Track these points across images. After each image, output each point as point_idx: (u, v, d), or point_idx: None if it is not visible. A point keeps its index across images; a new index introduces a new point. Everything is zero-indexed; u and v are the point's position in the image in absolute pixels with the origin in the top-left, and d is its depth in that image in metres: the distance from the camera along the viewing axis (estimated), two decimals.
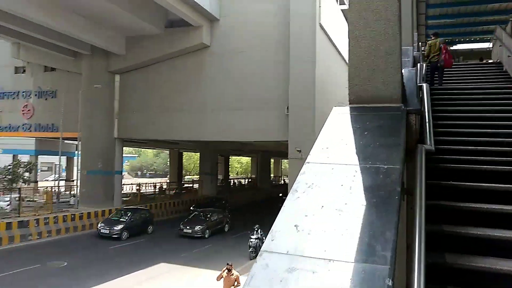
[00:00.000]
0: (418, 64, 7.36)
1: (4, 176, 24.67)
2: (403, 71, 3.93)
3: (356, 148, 2.80)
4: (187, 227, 22.85)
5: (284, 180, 67.78)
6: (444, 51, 10.55)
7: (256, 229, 18.94)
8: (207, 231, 23.13)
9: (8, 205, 23.23)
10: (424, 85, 5.60)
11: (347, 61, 3.80)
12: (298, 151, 21.08)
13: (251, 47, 23.77)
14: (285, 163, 75.03)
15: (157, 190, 35.43)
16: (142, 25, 23.83)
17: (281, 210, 2.19)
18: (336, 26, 26.61)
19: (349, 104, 3.57)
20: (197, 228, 22.71)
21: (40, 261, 16.72)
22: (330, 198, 2.24)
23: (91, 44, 25.32)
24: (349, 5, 3.69)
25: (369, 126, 3.11)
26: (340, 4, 29.84)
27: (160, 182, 40.74)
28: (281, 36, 22.97)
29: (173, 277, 15.69)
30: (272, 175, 63.42)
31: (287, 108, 22.35)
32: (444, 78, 10.46)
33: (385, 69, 3.54)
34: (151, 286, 14.62)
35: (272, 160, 62.64)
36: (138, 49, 25.72)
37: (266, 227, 21.66)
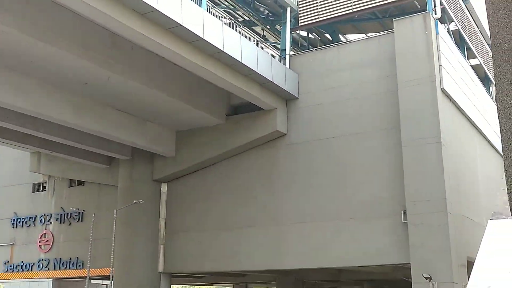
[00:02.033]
0: None
1: None
2: None
3: None
4: None
5: None
6: None
7: None
8: None
9: None
10: None
11: (501, 152, 3.82)
12: (426, 278, 20.26)
13: (344, 130, 24.44)
14: None
15: None
16: (198, 115, 25.89)
17: None
18: (467, 90, 26.59)
19: None
20: None
21: None
22: None
23: (132, 147, 27.62)
24: (494, 72, 3.82)
25: None
26: (469, 59, 30.10)
27: None
28: (387, 111, 23.45)
29: None
30: None
31: (404, 213, 21.86)
32: None
33: None
34: None
35: None
36: (192, 147, 27.57)
37: None
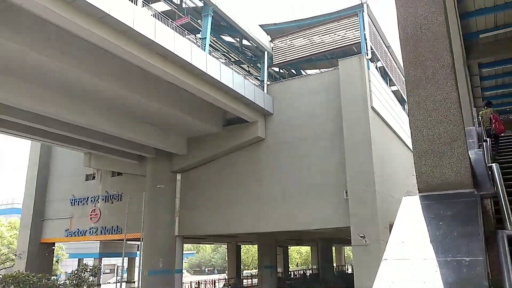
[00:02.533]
0: (484, 143, 7.22)
1: (71, 282, 25.47)
2: (469, 153, 3.94)
3: (433, 240, 2.78)
4: None
5: (348, 269, 63.73)
6: (494, 120, 10.62)
7: None
8: None
9: None
10: (494, 165, 5.44)
11: (411, 149, 3.89)
12: (361, 236, 20.46)
13: (305, 136, 24.53)
14: (347, 250, 71.16)
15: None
16: (202, 126, 25.77)
17: None
18: (389, 107, 26.94)
19: (419, 192, 3.60)
20: None
21: None
22: None
23: (156, 148, 27.42)
24: (407, 96, 3.91)
25: (443, 215, 3.10)
26: (390, 86, 30.47)
27: (218, 279, 39.87)
28: (334, 123, 23.61)
29: None
30: (334, 264, 59.89)
31: (346, 192, 22.06)
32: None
33: (451, 155, 3.60)
34: None
35: (333, 248, 59.68)
36: (199, 148, 27.45)
37: None
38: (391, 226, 21.47)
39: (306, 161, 24.14)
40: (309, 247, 64.23)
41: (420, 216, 3.18)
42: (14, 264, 35.78)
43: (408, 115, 3.88)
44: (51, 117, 21.62)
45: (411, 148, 3.85)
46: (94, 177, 33.49)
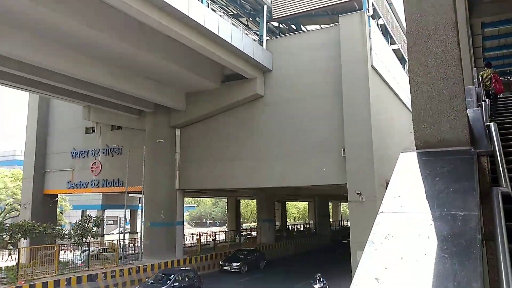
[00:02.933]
0: (483, 103, 7.15)
1: (75, 231, 26.07)
2: (468, 112, 3.90)
3: (429, 195, 2.79)
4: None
5: (344, 224, 65.71)
6: (494, 80, 10.61)
7: (318, 277, 18.22)
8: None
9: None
10: (492, 124, 5.41)
11: (409, 107, 3.83)
12: (357, 193, 20.74)
13: (304, 93, 24.29)
14: (344, 206, 72.81)
15: (216, 240, 35.50)
16: (201, 81, 25.40)
17: (360, 262, 2.23)
18: (389, 66, 26.54)
19: (416, 149, 3.58)
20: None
21: None
22: (408, 248, 2.25)
23: (154, 103, 27.21)
24: (408, 52, 3.79)
25: (440, 172, 3.10)
26: (391, 44, 29.86)
27: (219, 231, 41.01)
28: (333, 80, 23.31)
29: None
30: (331, 219, 61.49)
31: (343, 150, 22.19)
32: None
33: (450, 113, 3.55)
34: None
35: (330, 204, 61.05)
36: (197, 104, 27.24)
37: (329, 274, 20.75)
38: (387, 184, 21.64)
39: (305, 118, 24.05)
40: (307, 202, 65.60)
41: (417, 172, 3.19)
42: (19, 214, 36.57)
43: (408, 72, 3.79)
44: (49, 69, 21.26)
45: (409, 107, 3.80)
46: (93, 131, 33.45)
